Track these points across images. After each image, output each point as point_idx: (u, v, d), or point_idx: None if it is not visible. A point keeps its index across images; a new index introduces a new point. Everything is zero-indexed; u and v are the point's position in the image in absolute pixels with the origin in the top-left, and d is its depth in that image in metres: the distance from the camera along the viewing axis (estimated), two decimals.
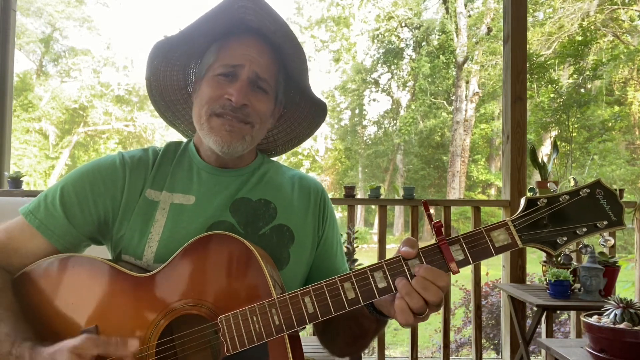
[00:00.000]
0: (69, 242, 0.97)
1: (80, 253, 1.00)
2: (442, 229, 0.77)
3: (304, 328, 0.83)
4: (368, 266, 0.80)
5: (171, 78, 1.11)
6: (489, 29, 15.83)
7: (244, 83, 0.98)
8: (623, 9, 12.46)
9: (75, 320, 0.87)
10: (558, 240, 0.76)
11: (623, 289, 3.82)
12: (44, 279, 0.91)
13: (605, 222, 0.75)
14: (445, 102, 17.92)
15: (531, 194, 0.79)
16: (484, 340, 4.30)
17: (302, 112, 1.16)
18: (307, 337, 2.53)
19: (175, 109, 1.17)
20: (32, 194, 2.75)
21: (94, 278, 0.89)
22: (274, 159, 1.25)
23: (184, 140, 1.16)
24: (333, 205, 1.16)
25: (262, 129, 1.04)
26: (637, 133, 14.33)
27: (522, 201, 0.79)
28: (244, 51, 0.99)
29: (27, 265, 0.93)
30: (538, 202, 0.78)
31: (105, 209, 0.99)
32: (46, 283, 0.91)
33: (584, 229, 0.76)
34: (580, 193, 0.77)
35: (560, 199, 0.77)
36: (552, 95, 13.56)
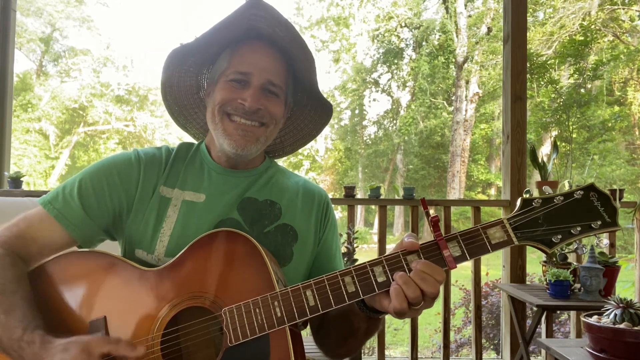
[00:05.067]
0: (85, 233, 1.01)
1: (94, 248, 1.05)
2: (439, 224, 0.80)
3: (305, 326, 0.84)
4: (368, 261, 0.83)
5: (185, 84, 1.15)
6: (489, 29, 15.83)
7: (256, 89, 1.02)
8: (623, 9, 12.47)
9: (85, 311, 0.91)
10: (553, 239, 0.80)
11: (623, 289, 3.82)
12: (57, 271, 0.95)
13: (599, 223, 0.79)
14: (445, 102, 17.92)
15: (527, 195, 0.85)
16: (484, 340, 4.30)
17: (309, 113, 1.20)
18: (309, 337, 2.52)
19: (187, 113, 1.21)
20: (32, 194, 2.75)
21: (105, 271, 0.93)
22: (278, 160, 1.28)
23: (195, 142, 1.21)
24: (333, 205, 1.20)
25: (275, 130, 1.09)
26: (637, 133, 14.33)
27: (518, 201, 0.83)
28: (255, 59, 1.04)
29: (44, 254, 0.97)
30: (533, 203, 0.81)
31: (120, 202, 1.03)
32: (59, 276, 0.94)
33: (579, 229, 0.80)
34: (575, 195, 0.81)
35: (554, 199, 0.81)
36: (552, 95, 13.57)
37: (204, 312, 0.87)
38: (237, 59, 1.04)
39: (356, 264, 2.82)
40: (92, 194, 1.01)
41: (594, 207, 0.80)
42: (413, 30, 18.13)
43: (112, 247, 1.05)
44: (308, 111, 1.20)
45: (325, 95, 1.14)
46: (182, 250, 0.92)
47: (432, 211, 0.83)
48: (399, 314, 0.78)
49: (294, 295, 0.82)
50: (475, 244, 0.80)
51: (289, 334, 0.82)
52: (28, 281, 0.92)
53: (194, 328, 0.88)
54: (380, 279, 0.80)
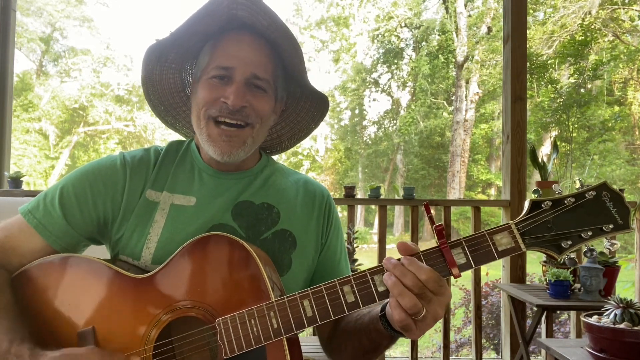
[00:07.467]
0: (67, 243, 0.96)
1: (79, 253, 1.00)
2: (444, 232, 0.76)
3: (303, 331, 0.82)
4: (368, 269, 0.79)
5: (168, 81, 1.08)
6: (489, 29, 15.82)
7: (239, 85, 0.95)
8: (623, 8, 12.46)
9: (72, 320, 0.86)
10: (562, 244, 0.75)
11: (623, 289, 3.82)
12: (42, 278, 0.90)
13: (611, 226, 0.73)
14: (445, 102, 17.92)
15: (535, 196, 0.75)
16: (484, 340, 4.30)
17: (305, 106, 1.13)
18: (307, 337, 2.52)
19: (175, 112, 1.14)
20: (32, 194, 2.74)
21: (92, 279, 0.88)
22: (276, 158, 1.22)
23: (186, 139, 1.14)
24: None
25: (263, 128, 1.01)
26: (637, 133, 14.33)
27: (526, 203, 0.77)
28: (237, 51, 0.96)
29: (25, 264, 0.92)
30: (543, 205, 0.76)
31: (105, 210, 0.98)
32: (44, 282, 0.90)
33: (590, 233, 0.74)
34: (586, 195, 0.75)
35: (565, 201, 0.75)
36: (552, 95, 13.57)
37: (196, 321, 0.83)
38: (218, 52, 0.96)
39: (356, 265, 2.75)
40: (75, 203, 0.96)
41: (606, 209, 0.74)
42: (413, 30, 18.13)
43: (101, 251, 1.01)
44: (303, 103, 1.12)
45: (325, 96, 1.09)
46: (172, 256, 0.87)
47: (432, 212, 0.79)
48: (403, 326, 0.74)
49: (290, 305, 0.78)
50: (480, 251, 0.75)
51: (285, 344, 0.79)
52: (9, 291, 0.88)
53: (187, 340, 0.84)
54: (381, 289, 0.76)
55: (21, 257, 0.93)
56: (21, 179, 2.92)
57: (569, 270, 2.40)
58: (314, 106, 1.12)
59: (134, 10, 29.41)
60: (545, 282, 2.49)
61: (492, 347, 4.49)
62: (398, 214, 17.32)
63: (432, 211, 0.80)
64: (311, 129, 1.17)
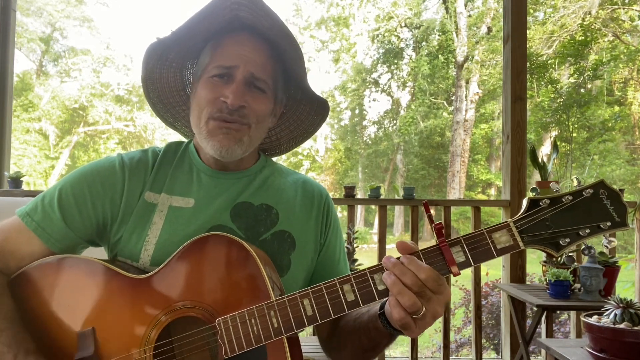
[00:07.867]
0: (65, 245, 0.96)
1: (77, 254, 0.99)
2: (443, 231, 0.76)
3: (303, 329, 0.83)
4: (368, 268, 0.79)
5: (168, 80, 1.08)
6: (489, 29, 15.83)
7: (239, 84, 0.95)
8: (623, 8, 12.47)
9: (72, 321, 0.86)
10: (561, 242, 0.75)
11: (623, 289, 3.82)
12: (41, 279, 0.90)
13: (608, 223, 0.74)
14: (445, 102, 17.93)
15: (533, 194, 0.75)
16: (484, 340, 4.31)
17: (305, 109, 1.13)
18: (307, 337, 2.52)
19: (175, 111, 1.14)
20: (32, 194, 2.74)
21: (91, 279, 0.88)
22: (276, 158, 1.22)
23: (185, 140, 1.14)
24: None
25: (260, 129, 1.01)
26: (637, 133, 14.33)
27: (525, 202, 0.78)
28: (238, 50, 0.96)
29: (22, 267, 0.92)
30: (541, 203, 0.76)
31: (104, 212, 0.97)
32: (43, 284, 0.89)
33: (587, 230, 0.75)
34: (584, 193, 0.76)
35: (563, 199, 0.76)
36: (552, 95, 13.57)
37: (197, 321, 0.84)
38: (219, 52, 0.97)
39: (356, 265, 2.76)
40: (74, 205, 0.95)
41: (603, 206, 0.74)
42: (413, 30, 18.13)
43: (99, 252, 1.01)
44: (303, 107, 1.12)
45: (325, 95, 1.09)
46: (172, 256, 0.87)
47: (432, 211, 0.79)
48: (402, 324, 0.74)
49: (290, 304, 0.79)
50: (479, 249, 0.76)
51: (286, 344, 0.79)
52: (9, 297, 0.88)
53: (187, 340, 0.84)
54: (380, 287, 0.77)
55: (19, 261, 0.92)
56: (21, 179, 2.92)
57: (569, 270, 2.40)
58: (314, 110, 1.11)
59: (134, 10, 29.43)
60: (545, 282, 2.49)
61: (492, 347, 4.49)
62: (398, 214, 17.32)
63: (432, 211, 0.80)
64: (311, 133, 1.16)
